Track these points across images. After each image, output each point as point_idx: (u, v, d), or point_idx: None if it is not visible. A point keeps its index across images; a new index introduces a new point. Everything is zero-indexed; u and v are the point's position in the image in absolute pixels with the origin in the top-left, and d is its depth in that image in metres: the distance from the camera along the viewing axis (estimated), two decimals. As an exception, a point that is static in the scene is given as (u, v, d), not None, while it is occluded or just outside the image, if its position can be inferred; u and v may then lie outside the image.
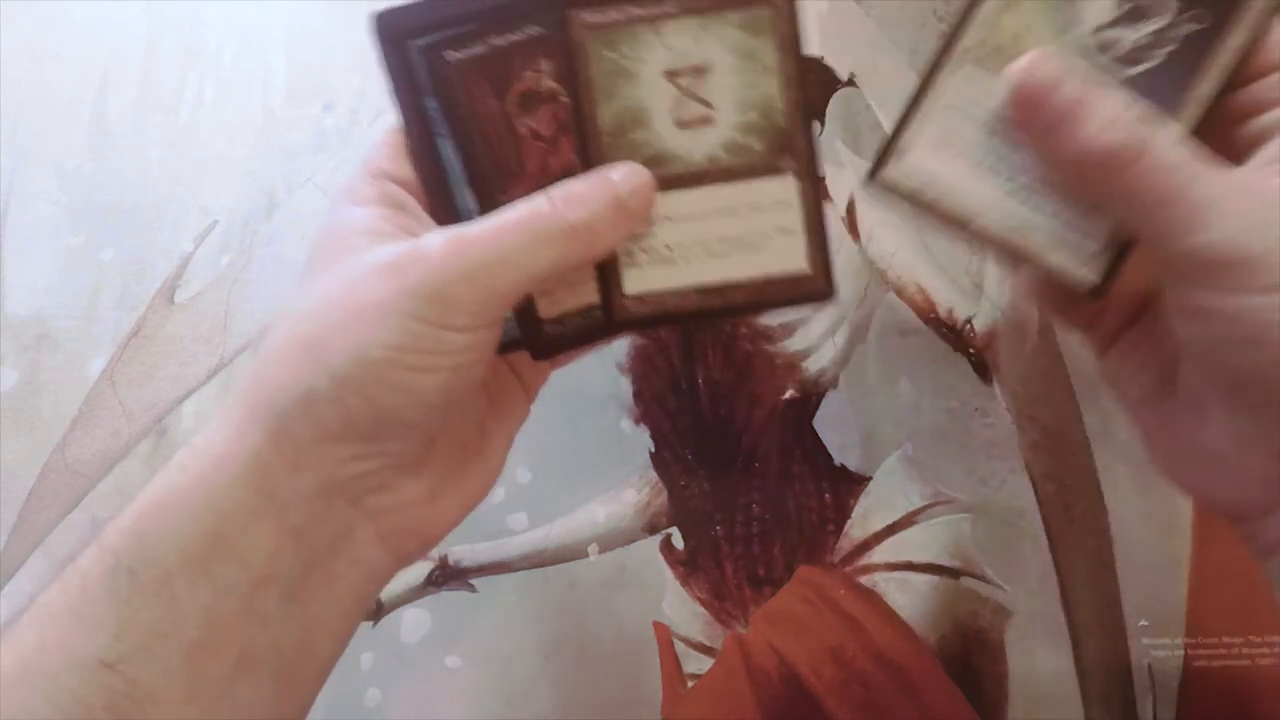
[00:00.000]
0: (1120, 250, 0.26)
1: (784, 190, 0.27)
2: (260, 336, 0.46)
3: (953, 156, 0.26)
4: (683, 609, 0.42)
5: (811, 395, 0.45)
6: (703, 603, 0.42)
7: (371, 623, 0.41)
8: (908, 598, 0.41)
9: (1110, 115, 0.24)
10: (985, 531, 0.43)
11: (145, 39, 0.50)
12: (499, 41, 0.28)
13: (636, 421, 0.45)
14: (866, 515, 0.43)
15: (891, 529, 0.43)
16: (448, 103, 0.28)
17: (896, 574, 0.42)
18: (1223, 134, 0.25)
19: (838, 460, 0.44)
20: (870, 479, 0.44)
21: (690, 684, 0.40)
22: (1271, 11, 0.24)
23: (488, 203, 0.28)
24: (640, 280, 0.28)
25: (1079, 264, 0.26)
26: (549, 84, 0.28)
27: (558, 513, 0.43)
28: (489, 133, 0.28)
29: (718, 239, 0.28)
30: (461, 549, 0.42)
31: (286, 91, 0.50)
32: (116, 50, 0.50)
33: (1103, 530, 0.43)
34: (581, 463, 0.44)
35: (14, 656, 0.23)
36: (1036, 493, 0.43)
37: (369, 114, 0.50)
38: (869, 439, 0.44)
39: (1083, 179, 0.25)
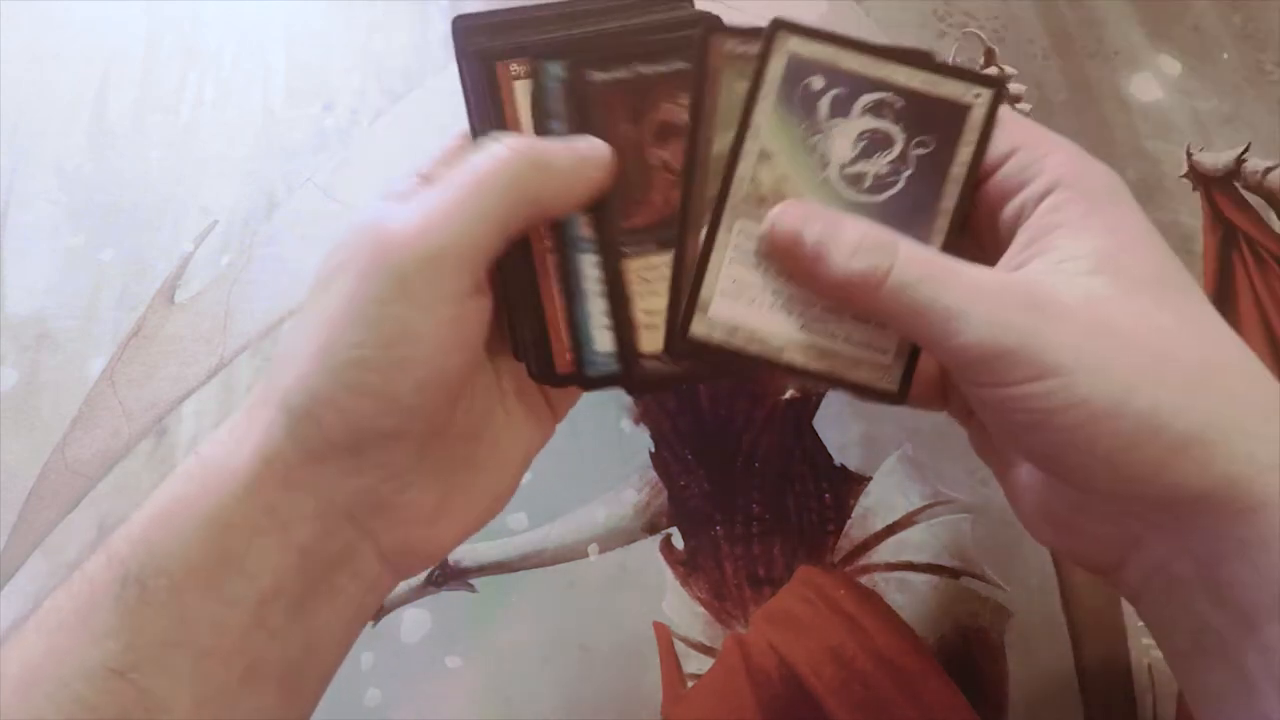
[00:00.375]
0: (911, 356, 0.28)
1: None
2: (262, 337, 0.46)
3: (747, 303, 0.28)
4: (683, 609, 0.42)
5: (811, 395, 0.45)
6: (703, 603, 0.42)
7: (371, 623, 0.41)
8: (908, 598, 0.41)
9: (852, 243, 0.25)
10: (985, 531, 0.43)
11: (145, 39, 0.51)
12: (645, 70, 0.28)
13: (636, 421, 0.45)
14: (866, 515, 0.43)
15: (891, 529, 0.43)
16: (583, 121, 0.28)
17: (896, 574, 0.42)
18: (989, 228, 0.27)
19: (838, 460, 0.44)
20: (870, 479, 0.44)
21: (690, 684, 0.40)
22: (988, 121, 0.27)
23: (606, 228, 0.29)
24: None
25: (878, 377, 0.28)
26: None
27: (558, 513, 0.43)
28: (619, 158, 0.28)
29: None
30: (461, 549, 0.42)
31: (286, 91, 0.50)
32: (116, 50, 0.50)
33: (1103, 530, 0.43)
34: (581, 463, 0.44)
35: (21, 663, 0.23)
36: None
37: (369, 114, 0.50)
38: (869, 439, 0.44)
39: (848, 304, 0.27)
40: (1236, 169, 0.50)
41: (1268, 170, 0.50)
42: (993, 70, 0.53)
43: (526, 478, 0.44)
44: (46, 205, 0.48)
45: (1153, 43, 0.54)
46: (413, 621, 0.41)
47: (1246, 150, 0.51)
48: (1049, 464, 0.25)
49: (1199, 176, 0.50)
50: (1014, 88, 0.53)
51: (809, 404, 0.45)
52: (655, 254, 0.29)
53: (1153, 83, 0.53)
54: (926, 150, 0.27)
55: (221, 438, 0.26)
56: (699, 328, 0.28)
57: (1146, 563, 0.25)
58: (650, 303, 0.29)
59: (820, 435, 0.44)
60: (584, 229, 0.29)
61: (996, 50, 0.53)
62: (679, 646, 0.41)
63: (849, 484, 0.44)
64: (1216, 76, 0.53)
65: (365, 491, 0.26)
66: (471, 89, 0.28)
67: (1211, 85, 0.53)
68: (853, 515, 0.43)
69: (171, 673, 0.24)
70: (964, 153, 0.27)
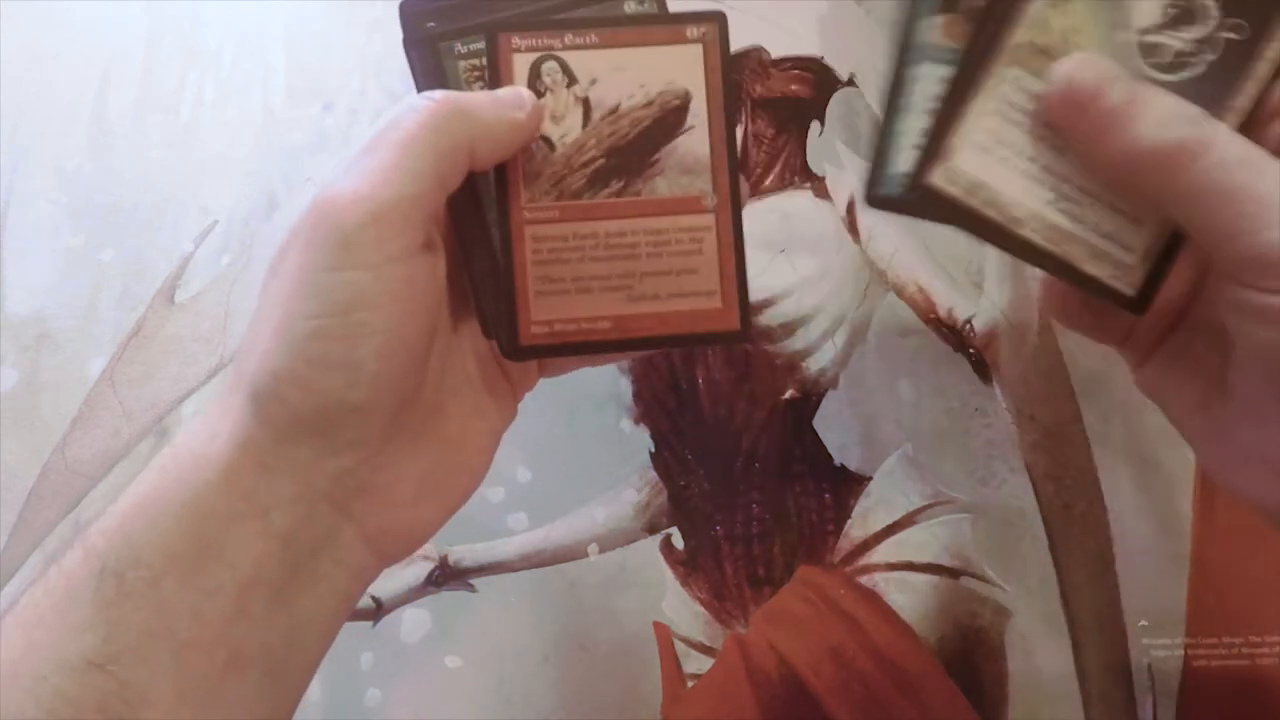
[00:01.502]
0: (1159, 263, 0.26)
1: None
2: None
3: (997, 162, 0.25)
4: (683, 609, 0.42)
5: (811, 395, 0.45)
6: (703, 603, 0.42)
7: (371, 623, 0.41)
8: (908, 598, 0.41)
9: (1165, 114, 0.23)
10: (985, 531, 0.43)
11: (145, 39, 0.50)
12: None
13: (636, 421, 0.45)
14: (866, 515, 0.43)
15: (891, 529, 0.43)
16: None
17: (896, 574, 0.42)
18: (1254, 135, 0.25)
19: (838, 460, 0.44)
20: (870, 479, 0.44)
21: (690, 684, 0.40)
22: None
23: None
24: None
25: (1120, 276, 0.26)
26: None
27: (558, 513, 0.43)
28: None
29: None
30: (461, 549, 0.42)
31: (286, 91, 0.50)
32: (116, 50, 0.50)
33: (1103, 530, 0.43)
34: (581, 463, 0.44)
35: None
36: (1036, 493, 0.43)
37: (369, 114, 0.50)
38: (869, 439, 0.44)
39: (1135, 181, 0.24)
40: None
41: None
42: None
43: (526, 477, 0.44)
44: (46, 205, 0.48)
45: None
46: (413, 621, 0.41)
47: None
48: None
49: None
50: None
51: (809, 404, 0.45)
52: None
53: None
54: (1237, 37, 0.24)
55: (195, 429, 0.26)
56: (937, 177, 0.25)
57: None
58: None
59: (820, 435, 0.44)
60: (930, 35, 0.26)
61: None
62: (679, 646, 0.41)
63: (849, 484, 0.44)
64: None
65: (343, 473, 0.26)
66: (420, 74, 0.29)
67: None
68: (853, 515, 0.43)
69: (152, 664, 0.23)
70: (1275, 48, 0.24)
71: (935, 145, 0.25)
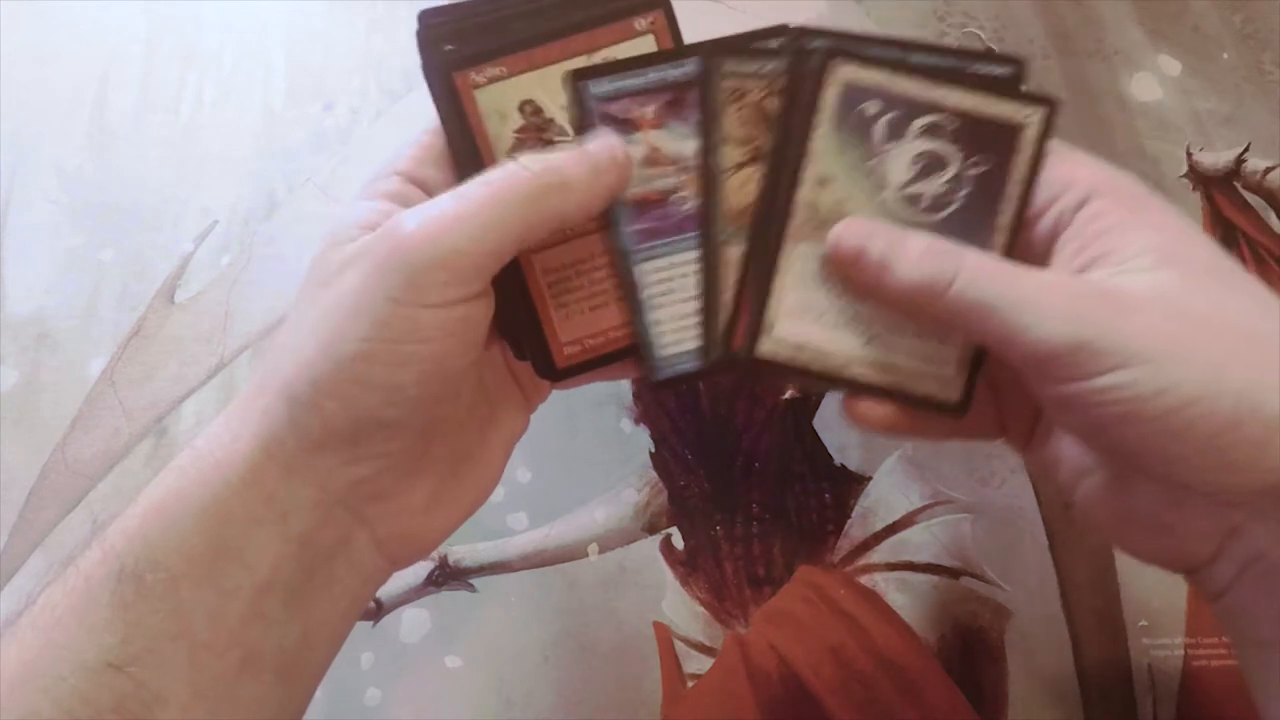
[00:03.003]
0: (974, 366, 0.28)
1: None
2: (262, 337, 0.46)
3: (811, 321, 0.28)
4: (683, 609, 0.42)
5: (811, 395, 0.45)
6: (703, 603, 0.42)
7: (371, 623, 0.41)
8: (908, 598, 0.41)
9: (917, 253, 0.26)
10: (985, 531, 0.43)
11: (145, 39, 0.51)
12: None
13: (636, 421, 0.45)
14: (866, 515, 0.43)
15: (891, 529, 0.43)
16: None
17: (896, 574, 0.42)
18: (1022, 245, 0.28)
19: (838, 460, 0.44)
20: (870, 479, 0.44)
21: (690, 684, 0.40)
22: (1041, 139, 0.27)
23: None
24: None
25: (941, 388, 0.28)
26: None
27: (558, 513, 0.43)
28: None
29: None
30: (461, 549, 0.42)
31: (286, 91, 0.50)
32: (116, 50, 0.50)
33: (1103, 530, 0.43)
34: (581, 463, 0.44)
35: (17, 658, 0.23)
36: (1036, 493, 0.43)
37: (369, 114, 0.50)
38: (869, 439, 0.44)
39: (916, 313, 0.27)
40: (1236, 169, 0.50)
41: (1267, 170, 0.50)
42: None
43: (526, 477, 0.44)
44: (46, 205, 0.48)
45: (1153, 42, 0.54)
46: (413, 621, 0.41)
47: (1246, 150, 0.51)
48: (1144, 458, 0.24)
49: (1199, 176, 0.50)
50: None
51: (809, 404, 0.45)
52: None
53: (1152, 82, 0.53)
54: (982, 169, 0.28)
55: (216, 431, 0.26)
56: (766, 346, 0.28)
57: (1244, 553, 0.25)
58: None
59: (820, 435, 0.44)
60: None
61: (996, 50, 0.53)
62: (679, 646, 0.41)
63: (849, 484, 0.44)
64: (1216, 76, 0.53)
65: (363, 481, 0.26)
66: (437, 101, 0.29)
67: (1211, 85, 0.53)
68: (853, 515, 0.43)
69: (169, 665, 0.24)
70: (1019, 170, 0.27)
71: (755, 321, 0.28)
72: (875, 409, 0.29)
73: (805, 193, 0.28)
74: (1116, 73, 0.53)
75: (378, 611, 0.41)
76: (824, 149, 0.28)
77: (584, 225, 0.29)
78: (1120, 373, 0.23)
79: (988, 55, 0.29)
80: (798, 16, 0.50)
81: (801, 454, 0.44)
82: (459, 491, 0.29)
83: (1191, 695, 0.40)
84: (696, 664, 0.41)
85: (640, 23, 0.29)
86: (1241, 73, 0.53)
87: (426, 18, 0.29)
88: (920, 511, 0.43)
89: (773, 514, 0.43)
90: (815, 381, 0.29)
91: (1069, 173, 0.27)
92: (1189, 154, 0.51)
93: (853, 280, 0.28)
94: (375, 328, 0.24)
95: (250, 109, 0.50)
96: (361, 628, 0.41)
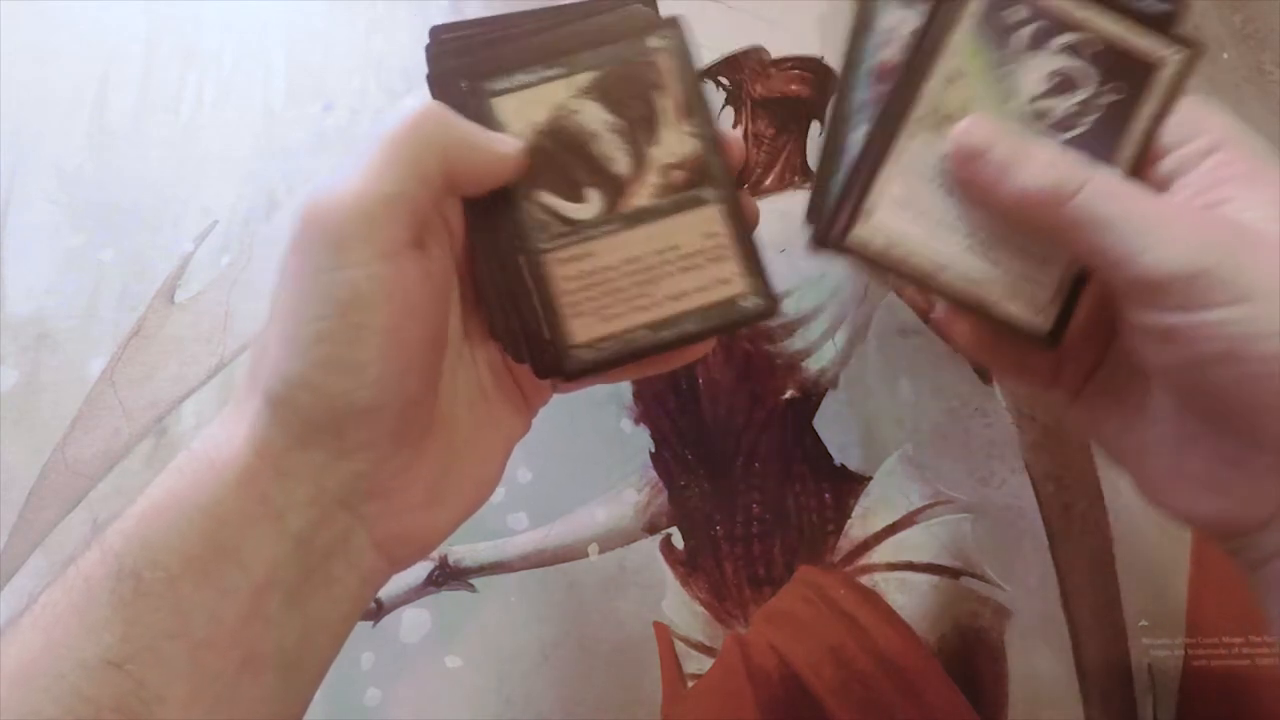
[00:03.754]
0: (1070, 298, 0.28)
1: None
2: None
3: (914, 216, 0.28)
4: (683, 609, 0.42)
5: (811, 395, 0.45)
6: (703, 603, 0.42)
7: (371, 623, 0.41)
8: (908, 598, 0.41)
9: (1045, 161, 0.25)
10: (985, 531, 0.43)
11: (145, 39, 0.50)
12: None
13: (636, 421, 0.45)
14: (866, 515, 0.43)
15: (891, 529, 0.43)
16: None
17: (896, 574, 0.42)
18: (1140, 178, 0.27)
19: (838, 460, 0.44)
20: (870, 479, 0.44)
21: (690, 684, 0.40)
22: (1177, 81, 0.27)
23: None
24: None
25: (1033, 312, 0.28)
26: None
27: (558, 513, 0.43)
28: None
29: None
30: (461, 549, 0.42)
31: (286, 91, 0.50)
32: (116, 50, 0.50)
33: (1103, 530, 0.43)
34: (581, 463, 0.44)
35: (17, 658, 0.23)
36: (1036, 493, 0.43)
37: (369, 114, 0.50)
38: (869, 439, 0.44)
39: (1029, 222, 0.26)
40: (1236, 169, 0.50)
41: (1268, 170, 0.50)
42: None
43: (526, 477, 0.44)
44: (46, 205, 0.48)
45: (1153, 43, 0.54)
46: (413, 621, 0.41)
47: (1246, 150, 0.51)
48: (1232, 403, 0.24)
49: (1199, 176, 0.50)
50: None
51: (809, 404, 0.45)
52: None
53: (1153, 83, 0.53)
54: (1116, 98, 0.27)
55: (212, 432, 0.26)
56: (861, 232, 0.28)
57: None
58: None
59: (820, 435, 0.44)
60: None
61: None
62: (679, 646, 0.41)
63: (849, 484, 0.44)
64: (1216, 76, 0.53)
65: (356, 476, 0.26)
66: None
67: (1211, 85, 0.53)
68: (853, 515, 0.43)
69: (168, 664, 0.24)
70: (1149, 108, 0.27)
71: (855, 206, 0.28)
72: (960, 325, 0.28)
73: (934, 85, 0.27)
74: (1116, 73, 0.53)
75: (378, 611, 0.41)
76: (961, 45, 0.27)
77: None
78: (1237, 307, 0.22)
79: None
80: (798, 16, 0.50)
81: (801, 454, 0.44)
82: (457, 490, 0.29)
83: (1191, 695, 0.40)
84: (696, 664, 0.41)
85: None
86: (1241, 73, 0.53)
87: (438, 33, 0.29)
88: (920, 511, 0.43)
89: (773, 514, 0.43)
90: (906, 278, 0.28)
91: (1201, 120, 0.26)
92: (1189, 154, 0.51)
93: (968, 180, 0.27)
94: (320, 304, 0.25)
95: (250, 109, 0.50)
96: (361, 628, 0.41)
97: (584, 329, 0.29)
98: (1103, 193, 0.24)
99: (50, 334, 0.46)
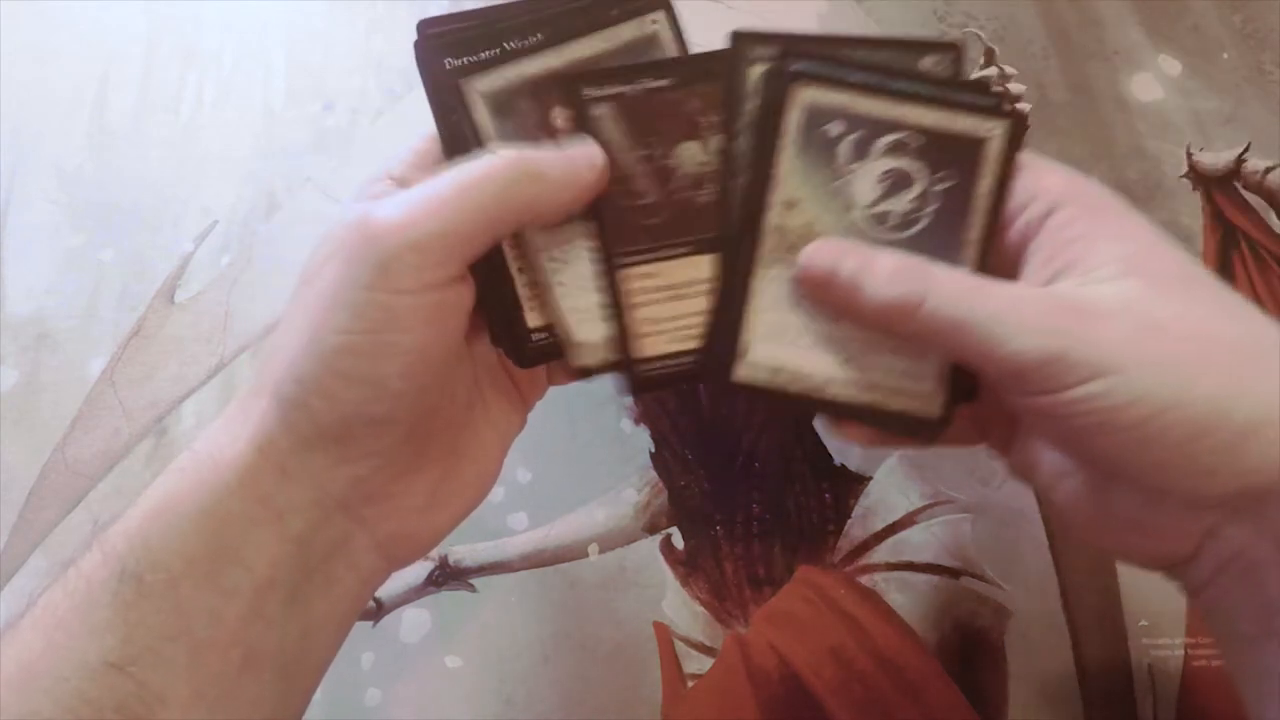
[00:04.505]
0: (951, 382, 0.28)
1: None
2: (262, 337, 0.46)
3: (787, 344, 0.29)
4: (683, 609, 0.42)
5: (793, 415, 0.45)
6: (703, 603, 0.42)
7: (371, 623, 0.41)
8: (908, 598, 0.41)
9: (887, 272, 0.26)
10: (985, 531, 0.43)
11: (145, 39, 0.51)
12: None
13: (636, 421, 0.45)
14: (866, 515, 0.43)
15: (891, 529, 0.43)
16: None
17: (896, 574, 0.42)
18: (995, 255, 0.28)
19: (838, 460, 0.44)
20: (870, 479, 0.44)
21: (690, 684, 0.40)
22: (1007, 152, 0.27)
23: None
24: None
25: (920, 404, 0.29)
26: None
27: (558, 513, 0.43)
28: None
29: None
30: (461, 549, 0.42)
31: (286, 91, 0.50)
32: (116, 50, 0.50)
33: (1103, 530, 0.43)
34: (581, 463, 0.44)
35: (18, 661, 0.24)
36: (1036, 493, 0.43)
37: (369, 114, 0.50)
38: (869, 439, 0.44)
39: (890, 332, 0.27)
40: (1236, 169, 0.50)
41: (1268, 170, 0.50)
42: (992, 70, 0.53)
43: (526, 477, 0.44)
44: (46, 205, 0.48)
45: (1153, 43, 0.54)
46: (413, 621, 0.41)
47: (1246, 150, 0.51)
48: (1119, 465, 0.25)
49: (1199, 176, 0.50)
50: (1014, 87, 0.52)
51: (809, 404, 0.45)
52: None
53: (1153, 83, 0.53)
54: (948, 185, 0.28)
55: (215, 433, 0.26)
56: (742, 372, 0.29)
57: (1223, 551, 0.25)
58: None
59: (820, 435, 0.44)
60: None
61: (996, 50, 0.53)
62: (679, 646, 0.41)
63: (849, 484, 0.44)
64: (1216, 76, 0.53)
65: (358, 480, 0.26)
66: (433, 101, 0.29)
67: (1211, 85, 0.53)
68: (853, 515, 0.43)
69: (170, 665, 0.24)
70: (985, 184, 0.27)
71: (730, 347, 0.28)
72: (859, 428, 0.29)
73: (773, 216, 0.28)
74: (1116, 73, 0.53)
75: (378, 611, 0.41)
76: (790, 172, 0.28)
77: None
78: (1093, 384, 0.23)
79: (928, 45, 0.29)
80: (798, 16, 0.50)
81: (801, 454, 0.44)
82: (456, 490, 0.29)
83: (1191, 695, 0.40)
84: (696, 664, 0.41)
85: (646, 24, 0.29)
86: (1241, 73, 0.53)
87: (425, 28, 0.29)
88: (920, 511, 0.43)
89: (773, 514, 0.43)
90: (794, 403, 0.29)
91: (1036, 181, 0.27)
92: (1189, 154, 0.51)
93: (825, 301, 0.28)
94: (352, 319, 0.24)
95: (250, 109, 0.50)
96: (361, 628, 0.41)
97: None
98: (947, 295, 0.25)
99: (50, 334, 0.46)
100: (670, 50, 0.29)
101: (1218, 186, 0.50)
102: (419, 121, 0.29)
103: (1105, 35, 0.54)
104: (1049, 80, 0.53)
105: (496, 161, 0.26)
